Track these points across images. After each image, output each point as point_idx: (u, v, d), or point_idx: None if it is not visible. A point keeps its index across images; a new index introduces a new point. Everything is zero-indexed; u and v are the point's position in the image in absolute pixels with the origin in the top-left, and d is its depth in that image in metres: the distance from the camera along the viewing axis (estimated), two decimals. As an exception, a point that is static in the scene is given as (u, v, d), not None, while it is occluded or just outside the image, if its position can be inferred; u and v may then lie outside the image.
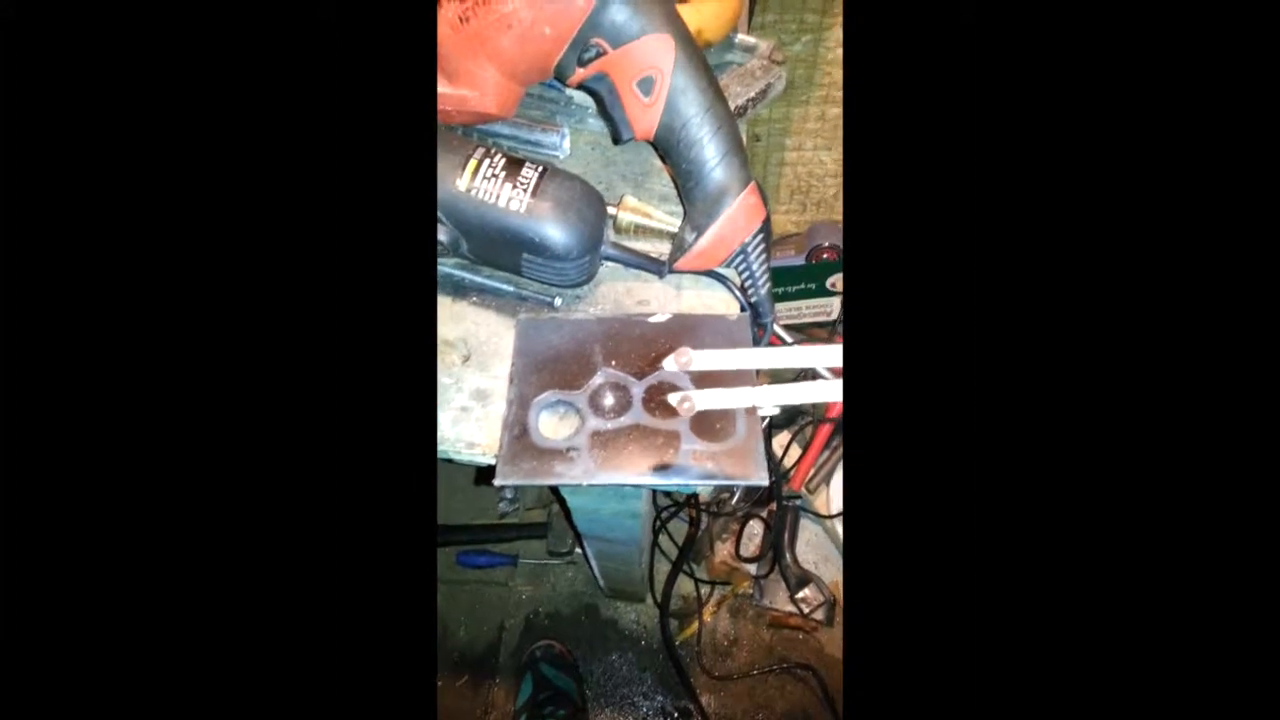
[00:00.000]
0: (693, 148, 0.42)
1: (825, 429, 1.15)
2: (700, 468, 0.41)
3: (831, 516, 1.12)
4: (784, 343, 0.50)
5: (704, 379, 0.43)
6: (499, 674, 1.08)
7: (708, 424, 0.42)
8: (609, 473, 0.41)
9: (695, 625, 1.11)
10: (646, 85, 0.41)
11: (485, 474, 0.43)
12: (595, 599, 1.14)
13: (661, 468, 0.41)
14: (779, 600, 1.11)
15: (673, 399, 0.42)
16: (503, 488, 1.23)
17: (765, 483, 0.40)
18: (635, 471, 0.41)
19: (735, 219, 0.43)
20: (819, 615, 1.09)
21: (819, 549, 1.15)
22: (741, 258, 0.45)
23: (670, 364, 0.44)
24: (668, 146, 0.43)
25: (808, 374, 0.45)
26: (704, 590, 1.12)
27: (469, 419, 0.44)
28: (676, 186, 0.46)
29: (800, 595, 1.09)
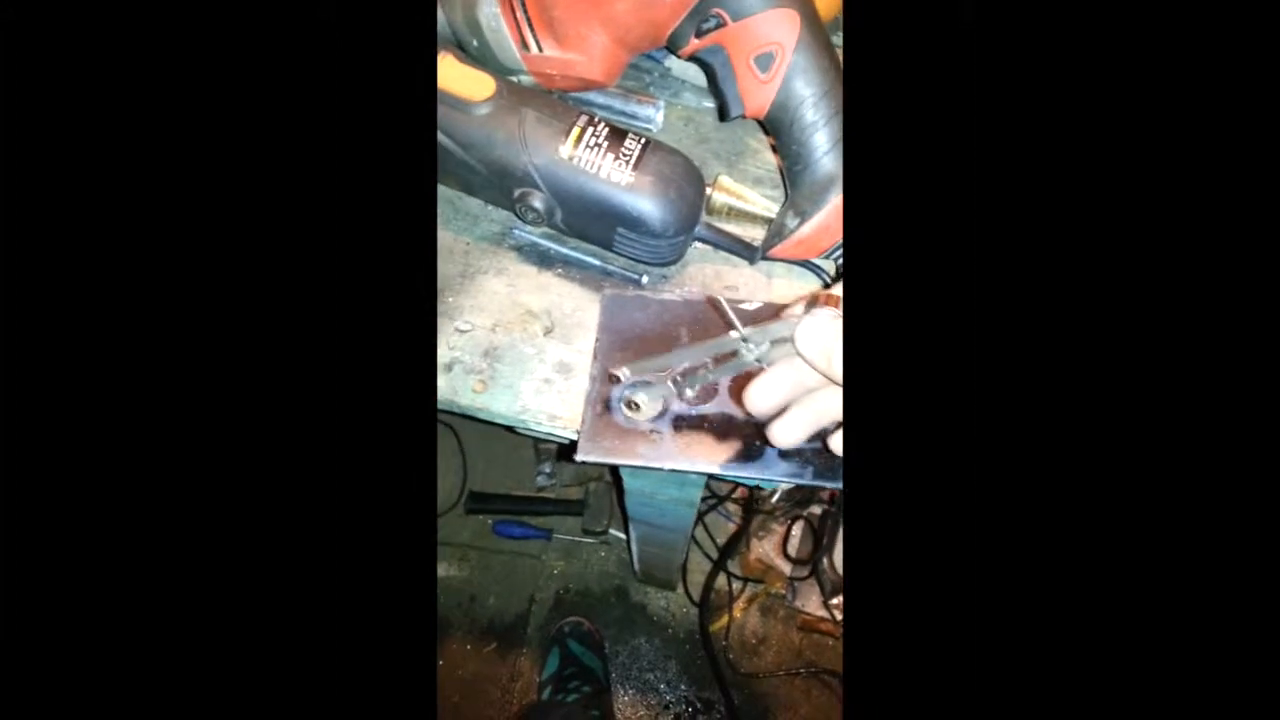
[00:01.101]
0: (806, 130, 0.40)
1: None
2: (787, 466, 0.40)
3: (874, 524, 1.09)
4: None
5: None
6: (526, 644, 1.09)
7: (796, 418, 0.41)
8: (692, 459, 0.40)
9: (725, 619, 1.10)
10: (765, 61, 0.39)
11: (569, 447, 0.42)
12: (626, 581, 1.14)
13: (745, 460, 0.40)
14: (812, 604, 1.09)
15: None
16: (542, 461, 1.23)
17: (854, 485, 0.39)
18: (718, 460, 0.40)
19: (843, 209, 0.41)
20: (852, 622, 1.07)
21: (857, 555, 1.13)
22: (842, 250, 0.43)
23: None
24: (778, 127, 0.42)
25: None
26: (736, 586, 1.11)
27: (551, 391, 0.43)
28: (781, 170, 0.44)
29: (835, 601, 1.07)
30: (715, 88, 0.43)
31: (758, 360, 0.36)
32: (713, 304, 0.44)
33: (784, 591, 1.11)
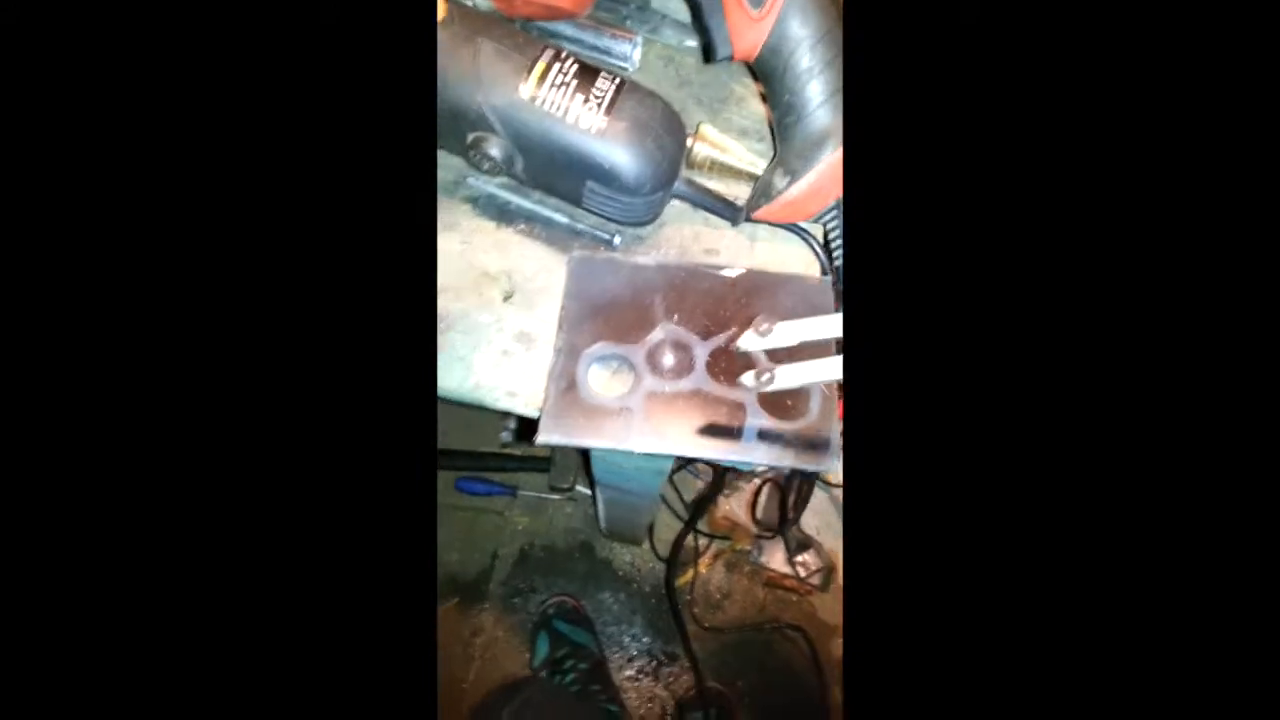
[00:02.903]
0: (799, 78, 0.36)
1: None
2: (767, 448, 0.37)
3: (839, 485, 1.10)
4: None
5: (779, 349, 0.38)
6: (488, 599, 1.08)
7: (778, 399, 0.38)
8: (665, 441, 0.37)
9: (690, 574, 1.10)
10: (759, -5, 0.34)
11: (527, 425, 0.39)
12: (592, 537, 1.13)
13: (722, 440, 0.37)
14: (776, 561, 1.10)
15: (746, 378, 0.37)
16: (507, 417, 1.19)
17: (835, 470, 0.36)
18: (694, 443, 0.37)
19: (838, 169, 0.37)
20: (815, 580, 1.08)
21: (822, 515, 1.14)
22: (835, 214, 0.39)
23: (750, 339, 0.38)
24: (769, 73, 0.37)
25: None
26: (702, 542, 1.11)
27: (510, 363, 0.39)
28: (770, 122, 0.40)
29: (799, 559, 1.08)
30: (700, 24, 0.38)
31: None
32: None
33: (750, 548, 1.12)
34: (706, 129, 0.43)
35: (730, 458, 0.37)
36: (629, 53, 0.46)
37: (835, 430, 0.37)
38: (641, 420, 0.37)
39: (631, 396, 0.38)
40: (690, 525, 1.02)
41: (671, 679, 1.05)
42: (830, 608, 1.10)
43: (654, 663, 1.06)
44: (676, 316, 0.40)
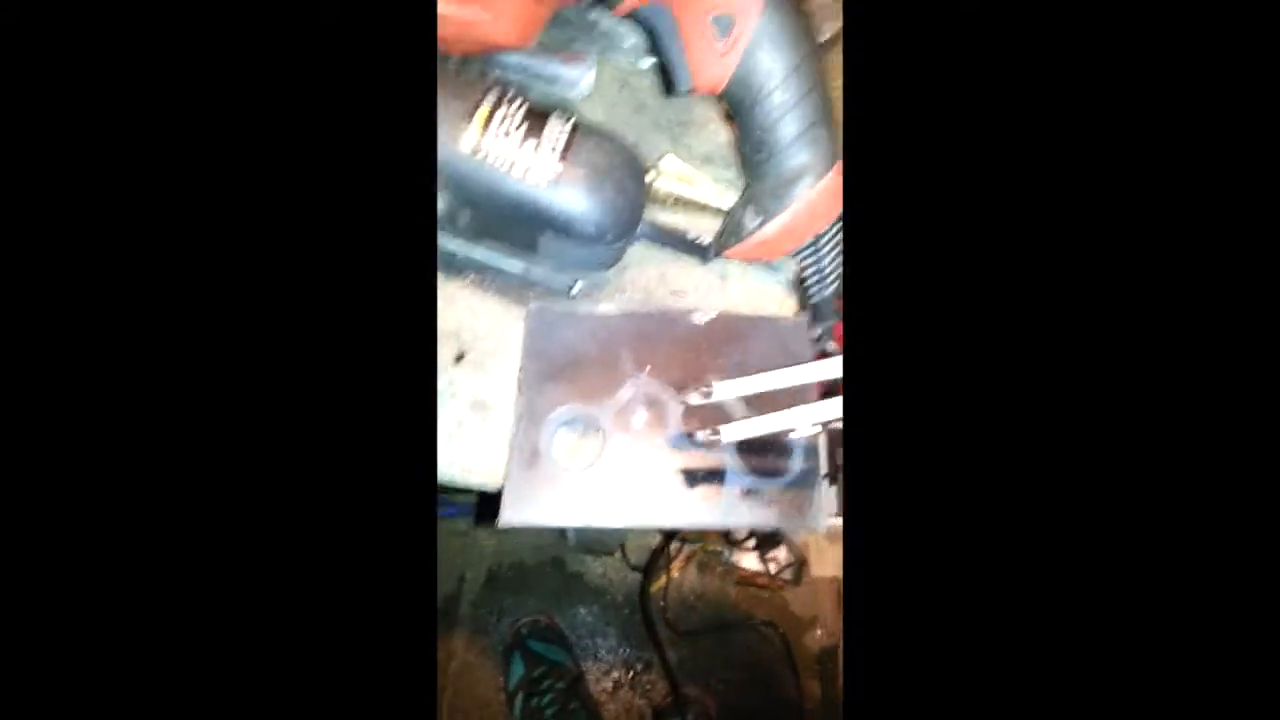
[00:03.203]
0: (771, 113, 0.33)
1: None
2: (750, 509, 0.35)
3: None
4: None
5: (755, 398, 0.36)
6: (459, 624, 1.05)
7: (758, 454, 0.36)
8: (640, 512, 0.34)
9: (664, 579, 1.09)
10: (723, 25, 0.31)
11: (489, 500, 0.35)
12: (561, 552, 1.11)
13: (702, 504, 0.35)
14: (748, 559, 1.10)
15: (700, 435, 0.35)
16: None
17: (823, 528, 0.35)
18: (672, 512, 0.34)
19: (814, 206, 0.35)
20: (786, 575, 1.09)
21: (791, 510, 1.14)
22: (811, 251, 0.37)
23: (694, 398, 0.35)
24: (738, 107, 0.34)
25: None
26: (674, 545, 1.10)
27: (465, 434, 0.36)
28: (741, 154, 0.37)
29: (770, 555, 1.08)
30: (659, 55, 0.35)
31: None
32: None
33: (721, 548, 1.11)
34: (669, 160, 0.40)
35: (711, 523, 0.35)
36: (579, 78, 0.42)
37: (821, 485, 0.35)
38: (614, 489, 0.34)
39: (602, 462, 0.35)
40: (669, 537, 1.00)
41: (650, 687, 1.04)
42: (803, 601, 1.11)
43: (631, 673, 1.05)
44: (647, 370, 0.37)
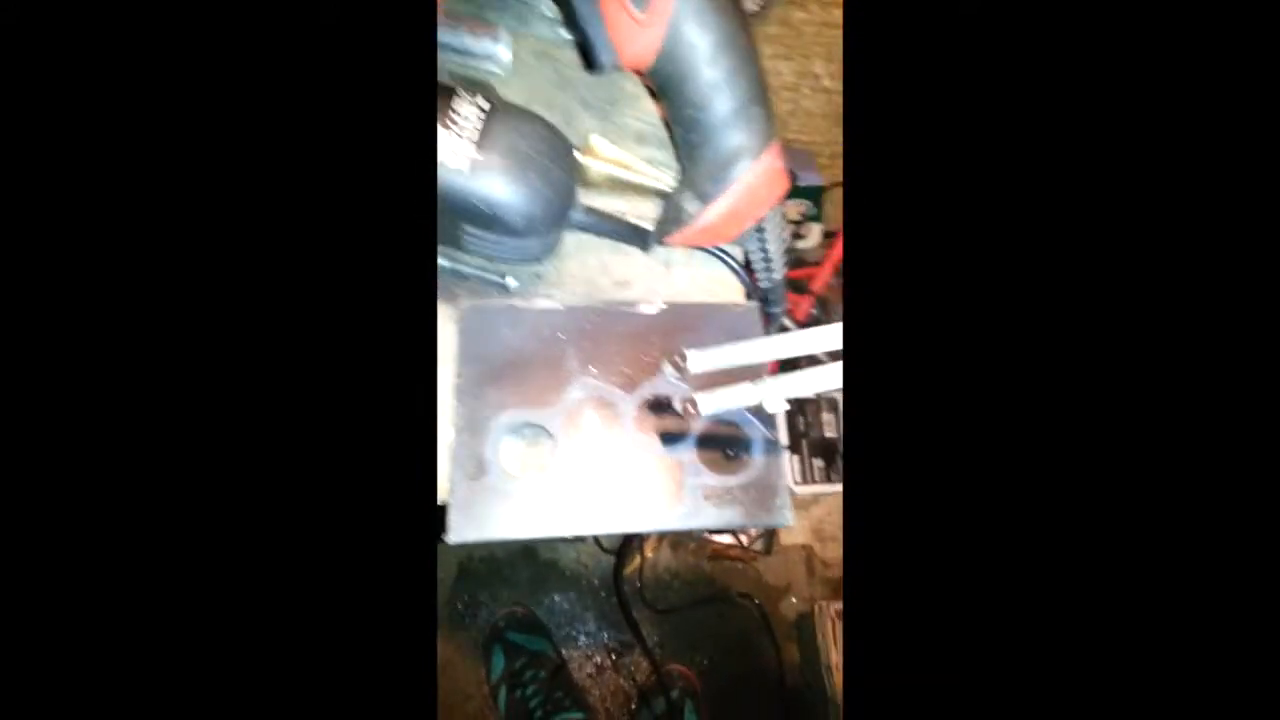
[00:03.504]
0: (702, 91, 0.31)
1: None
2: (715, 509, 0.33)
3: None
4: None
5: (708, 384, 0.34)
6: (435, 622, 1.03)
7: (716, 450, 0.34)
8: (599, 519, 0.33)
9: (638, 561, 1.09)
10: (643, -8, 0.29)
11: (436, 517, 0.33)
12: (532, 541, 1.09)
13: (664, 506, 0.33)
14: (720, 534, 1.10)
15: (676, 404, 0.34)
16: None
17: (790, 523, 0.34)
18: (632, 517, 0.33)
19: (754, 189, 0.33)
20: (758, 546, 1.10)
21: (760, 480, 1.14)
22: (756, 235, 0.35)
23: (669, 370, 0.34)
24: (665, 85, 0.32)
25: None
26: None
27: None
28: (673, 136, 0.35)
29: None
30: (576, 29, 0.32)
31: None
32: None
33: (692, 525, 1.11)
34: (596, 141, 0.38)
35: (675, 528, 0.33)
36: (495, 51, 0.39)
37: (782, 477, 0.34)
38: (566, 496, 0.33)
39: (554, 470, 0.33)
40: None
41: (633, 668, 1.04)
42: (775, 570, 1.12)
43: (613, 656, 1.05)
44: (594, 367, 0.35)
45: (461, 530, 0.32)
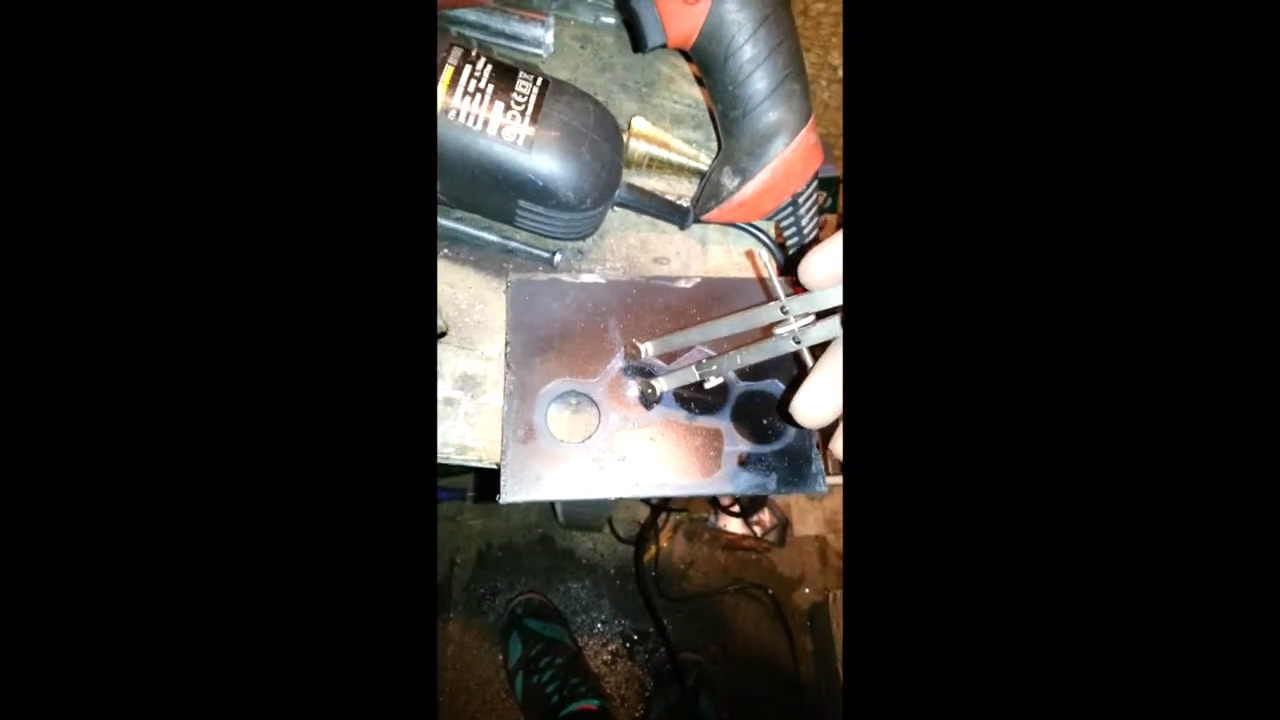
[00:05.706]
0: (743, 68, 0.32)
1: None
2: (749, 476, 0.35)
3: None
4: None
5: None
6: (451, 609, 1.05)
7: (752, 420, 0.36)
8: (641, 484, 0.34)
9: (653, 549, 1.10)
10: (693, -27, 0.30)
11: (487, 478, 0.35)
12: (550, 529, 1.11)
13: (702, 473, 0.34)
14: (733, 523, 1.11)
15: (701, 370, 0.33)
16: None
17: (825, 490, 0.35)
18: (672, 482, 0.34)
19: (791, 164, 0.34)
20: (771, 537, 1.11)
21: (774, 471, 1.15)
22: (790, 211, 0.36)
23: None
24: (708, 62, 0.33)
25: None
26: (660, 516, 1.11)
27: (457, 414, 0.35)
28: (712, 114, 0.36)
29: (755, 518, 1.10)
30: (627, 10, 0.33)
31: (796, 341, 0.27)
32: (752, 259, 0.36)
33: (707, 515, 1.12)
34: (639, 123, 0.39)
35: (712, 492, 0.35)
36: (541, 36, 0.41)
37: (814, 446, 0.35)
38: (613, 463, 0.34)
39: (598, 437, 0.34)
40: (657, 510, 1.01)
41: (648, 656, 1.05)
42: (789, 561, 1.13)
43: (628, 643, 1.06)
44: (634, 339, 0.36)
45: (513, 491, 0.33)
